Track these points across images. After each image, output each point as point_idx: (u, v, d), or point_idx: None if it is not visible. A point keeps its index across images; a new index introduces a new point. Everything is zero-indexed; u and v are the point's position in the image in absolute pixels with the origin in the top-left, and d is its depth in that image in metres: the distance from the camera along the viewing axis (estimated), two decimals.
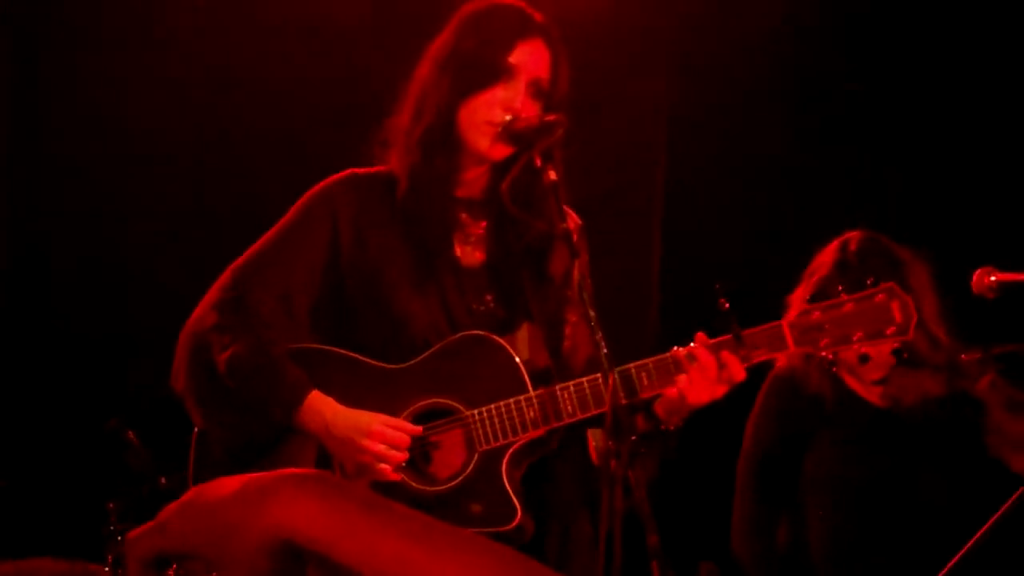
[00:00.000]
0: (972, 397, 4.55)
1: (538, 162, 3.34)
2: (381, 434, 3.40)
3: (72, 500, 5.43)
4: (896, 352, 4.51)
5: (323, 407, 3.44)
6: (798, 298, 4.52)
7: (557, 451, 3.53)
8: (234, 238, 3.76)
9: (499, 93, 3.51)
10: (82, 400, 5.64)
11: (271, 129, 5.89)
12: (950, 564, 4.24)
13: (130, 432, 4.87)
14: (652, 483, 3.27)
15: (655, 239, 6.22)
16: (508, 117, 3.48)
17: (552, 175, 3.32)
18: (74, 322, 5.84)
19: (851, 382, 4.68)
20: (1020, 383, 4.58)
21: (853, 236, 4.67)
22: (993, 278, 3.98)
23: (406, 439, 3.42)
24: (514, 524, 3.38)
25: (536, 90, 3.53)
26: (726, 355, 3.37)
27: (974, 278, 4.01)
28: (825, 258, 4.65)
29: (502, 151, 3.53)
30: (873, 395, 4.67)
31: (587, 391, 3.40)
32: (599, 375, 3.34)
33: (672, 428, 3.46)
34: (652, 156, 6.29)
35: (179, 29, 5.78)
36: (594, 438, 3.56)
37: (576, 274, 3.24)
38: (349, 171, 3.68)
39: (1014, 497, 4.18)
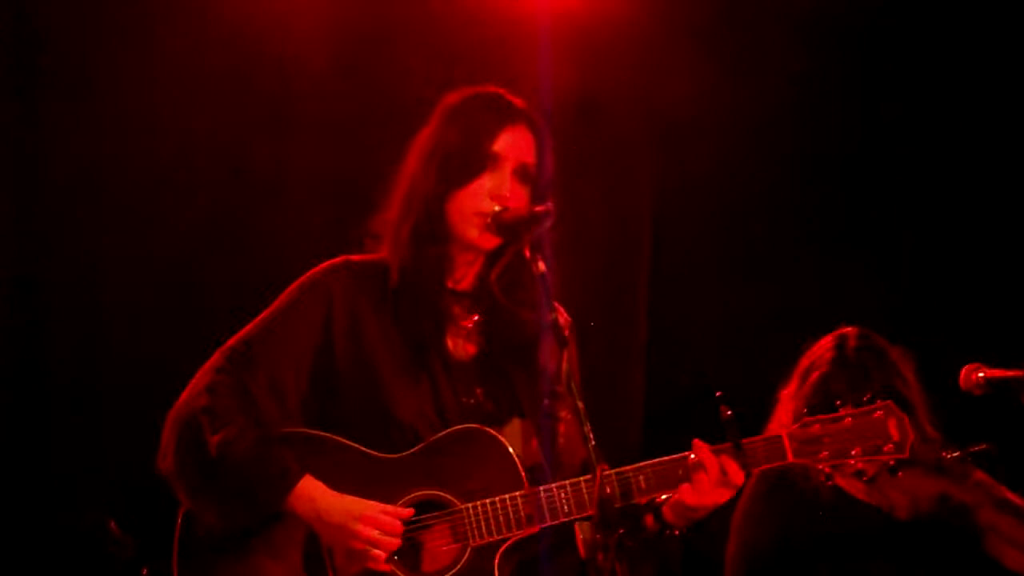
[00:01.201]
0: (959, 501, 4.51)
1: (527, 253, 3.34)
2: (374, 520, 3.36)
3: None
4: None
5: (315, 492, 3.41)
6: (789, 395, 4.49)
7: (549, 548, 3.48)
8: (221, 318, 3.74)
9: (486, 183, 3.52)
10: (62, 488, 5.56)
11: (265, 209, 5.85)
12: None
13: (111, 522, 4.81)
14: None
15: (641, 331, 6.19)
16: (496, 208, 3.49)
17: (541, 266, 3.31)
18: (53, 410, 5.76)
19: (844, 483, 4.63)
20: (998, 479, 4.55)
21: (850, 332, 4.59)
22: (981, 374, 3.96)
23: (399, 526, 3.37)
24: None
25: (523, 175, 3.55)
26: (727, 460, 3.37)
27: (962, 374, 4.00)
28: (821, 354, 4.58)
29: (492, 241, 3.53)
30: (864, 494, 4.62)
31: (584, 492, 3.37)
32: None
33: (677, 533, 3.45)
34: (637, 239, 6.27)
35: (169, 104, 5.75)
36: (582, 531, 3.53)
37: (564, 364, 3.22)
38: (343, 258, 3.67)
39: None
